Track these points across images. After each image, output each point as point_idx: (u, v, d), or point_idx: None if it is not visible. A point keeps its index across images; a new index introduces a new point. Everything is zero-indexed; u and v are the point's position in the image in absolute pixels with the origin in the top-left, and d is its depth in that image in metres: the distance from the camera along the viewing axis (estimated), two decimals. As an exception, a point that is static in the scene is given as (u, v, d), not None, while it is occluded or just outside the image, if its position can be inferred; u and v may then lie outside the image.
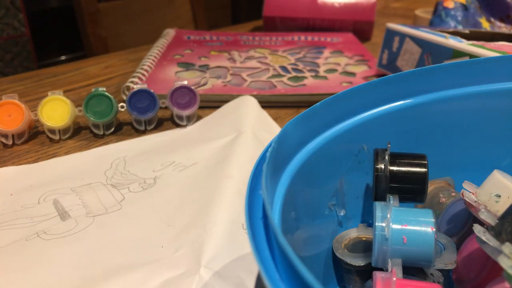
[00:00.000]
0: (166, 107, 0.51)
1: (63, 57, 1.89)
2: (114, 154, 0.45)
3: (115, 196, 0.39)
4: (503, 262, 0.19)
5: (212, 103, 0.55)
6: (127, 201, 0.38)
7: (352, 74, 0.63)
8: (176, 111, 0.50)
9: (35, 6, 1.67)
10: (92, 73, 0.67)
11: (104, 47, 1.16)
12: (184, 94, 0.49)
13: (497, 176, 0.25)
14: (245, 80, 0.60)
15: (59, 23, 1.82)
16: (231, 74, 0.62)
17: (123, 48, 0.81)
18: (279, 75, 0.62)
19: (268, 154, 0.21)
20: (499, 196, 0.25)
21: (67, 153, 0.46)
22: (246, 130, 0.46)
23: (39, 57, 1.58)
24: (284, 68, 0.65)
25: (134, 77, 0.57)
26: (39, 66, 1.52)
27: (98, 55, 0.79)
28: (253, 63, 0.66)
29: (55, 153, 0.46)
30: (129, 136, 0.49)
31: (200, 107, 0.55)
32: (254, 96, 0.55)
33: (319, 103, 0.26)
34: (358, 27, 0.84)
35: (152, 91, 0.48)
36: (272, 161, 0.21)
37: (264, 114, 0.52)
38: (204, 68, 0.64)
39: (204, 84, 0.58)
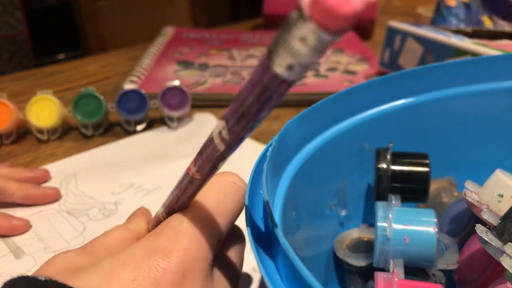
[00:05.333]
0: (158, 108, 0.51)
1: (61, 56, 1.88)
2: (62, 171, 0.41)
3: (74, 226, 0.35)
4: (506, 262, 0.19)
5: (212, 102, 0.55)
6: (89, 231, 0.34)
7: (353, 72, 0.63)
8: (166, 111, 0.49)
9: (33, 4, 1.66)
10: (90, 71, 0.67)
11: (103, 45, 1.15)
12: (175, 95, 0.48)
13: (499, 175, 0.25)
14: (245, 79, 0.60)
15: (57, 21, 1.82)
16: (231, 73, 0.62)
17: (121, 47, 0.80)
18: (279, 74, 0.62)
19: (268, 153, 0.21)
20: (502, 195, 0.24)
21: (65, 153, 0.45)
22: None
23: (37, 56, 1.58)
24: (284, 67, 0.64)
25: (132, 75, 0.57)
26: (37, 65, 1.51)
27: (96, 54, 0.79)
28: (253, 62, 0.66)
29: (53, 153, 0.45)
30: (119, 137, 0.48)
31: (199, 107, 0.54)
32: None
33: (320, 102, 0.25)
34: (359, 25, 0.83)
35: (142, 91, 0.47)
36: (272, 161, 0.21)
37: None
38: (204, 66, 0.64)
39: (204, 83, 0.58)
